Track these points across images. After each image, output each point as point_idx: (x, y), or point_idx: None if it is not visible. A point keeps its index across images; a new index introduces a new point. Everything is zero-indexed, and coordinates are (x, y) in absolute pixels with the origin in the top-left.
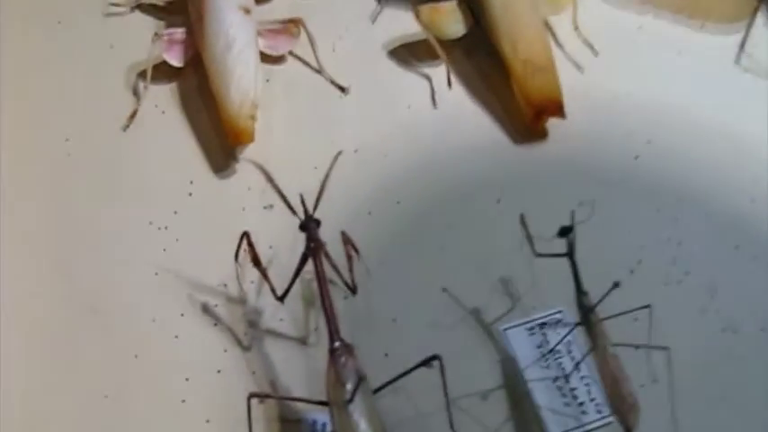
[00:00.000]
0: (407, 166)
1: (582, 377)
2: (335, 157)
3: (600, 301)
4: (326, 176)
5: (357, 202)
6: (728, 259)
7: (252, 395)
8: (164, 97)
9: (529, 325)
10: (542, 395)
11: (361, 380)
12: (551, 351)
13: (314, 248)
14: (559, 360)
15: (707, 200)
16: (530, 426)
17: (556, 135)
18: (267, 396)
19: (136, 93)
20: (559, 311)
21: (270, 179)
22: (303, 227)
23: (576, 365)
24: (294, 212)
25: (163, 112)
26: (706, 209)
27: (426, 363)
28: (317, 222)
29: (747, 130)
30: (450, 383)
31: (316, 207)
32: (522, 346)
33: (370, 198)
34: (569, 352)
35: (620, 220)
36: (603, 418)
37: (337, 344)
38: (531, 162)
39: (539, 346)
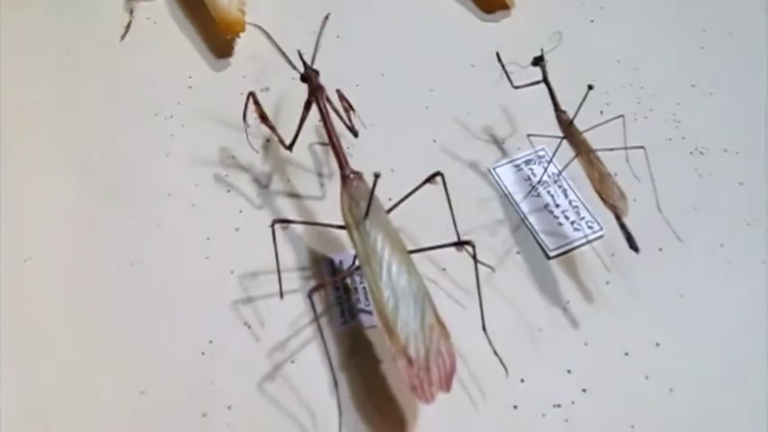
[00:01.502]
0: (387, 44)
1: (570, 201)
2: (325, 18)
3: (579, 108)
4: (320, 34)
5: (344, 77)
6: (687, 96)
7: (276, 221)
8: (154, 10)
9: (515, 162)
10: (537, 221)
11: (372, 197)
12: (540, 182)
13: (316, 92)
14: (548, 189)
15: (661, 49)
16: (530, 247)
17: (517, 6)
18: (289, 221)
19: (128, 8)
20: (542, 149)
21: (270, 37)
22: (304, 77)
23: (557, 175)
24: (294, 66)
25: (155, 23)
26: (662, 56)
27: (430, 179)
28: (316, 72)
29: None
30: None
31: (313, 60)
32: (512, 181)
33: (355, 73)
34: (555, 182)
35: (583, 72)
36: (595, 232)
37: (348, 171)
38: (498, 30)
39: (526, 179)
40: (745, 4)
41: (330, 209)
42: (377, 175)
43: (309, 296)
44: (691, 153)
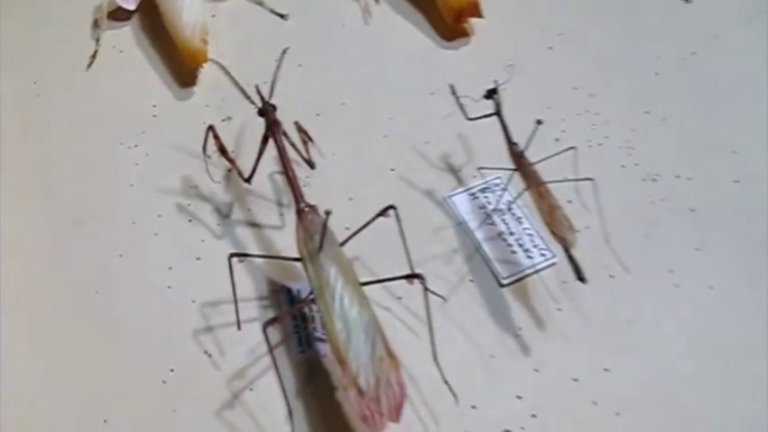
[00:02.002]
0: (347, 73)
1: (524, 228)
2: (283, 52)
3: (528, 142)
4: (277, 68)
5: (305, 107)
6: (641, 123)
7: (232, 255)
8: (120, 38)
9: (471, 191)
10: (491, 249)
11: (327, 230)
12: (495, 210)
13: (273, 127)
14: (502, 217)
15: (617, 76)
16: (484, 275)
17: (477, 33)
18: (246, 255)
19: (94, 37)
20: (498, 177)
21: (227, 72)
22: (261, 111)
23: (511, 203)
24: (252, 101)
25: (121, 52)
26: (617, 84)
27: (383, 212)
28: (273, 106)
29: (648, 10)
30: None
31: (271, 95)
32: (467, 209)
33: (316, 103)
34: (510, 209)
35: (540, 99)
36: (547, 259)
37: (303, 204)
38: (458, 58)
39: (481, 208)
40: (698, 31)
41: (289, 238)
42: (327, 213)
43: (264, 329)
44: (643, 180)
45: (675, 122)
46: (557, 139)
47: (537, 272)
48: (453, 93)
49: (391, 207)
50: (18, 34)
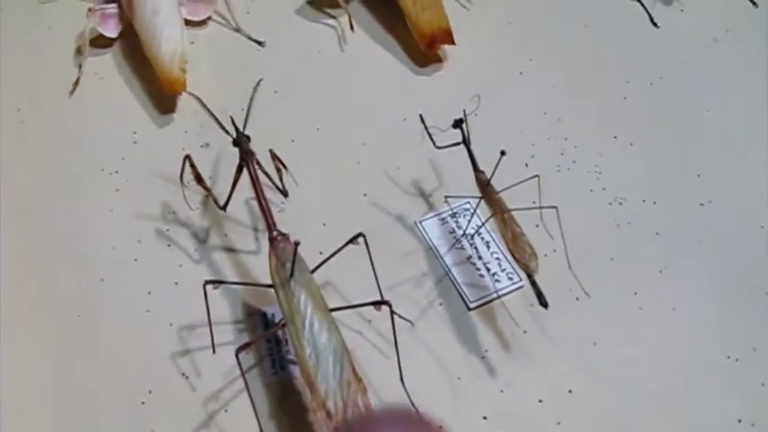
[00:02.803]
0: (322, 99)
1: (492, 252)
2: (257, 84)
3: (493, 172)
4: (251, 99)
5: (280, 133)
6: (609, 147)
7: (207, 282)
8: (102, 65)
9: (441, 216)
10: (460, 273)
11: (298, 259)
12: (464, 235)
13: (246, 157)
14: (471, 242)
15: (586, 100)
16: (452, 298)
17: (450, 59)
18: (220, 282)
19: (77, 64)
20: (467, 202)
21: (204, 105)
22: (236, 141)
23: (479, 228)
24: (227, 132)
25: (102, 78)
26: (586, 109)
27: (353, 240)
28: (248, 137)
29: (617, 36)
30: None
31: (245, 126)
32: (437, 234)
33: (291, 129)
34: (479, 234)
35: (510, 124)
36: (514, 283)
37: (275, 233)
38: (431, 84)
39: (451, 232)
40: (666, 56)
41: (264, 262)
42: (297, 244)
43: (237, 354)
44: (610, 204)
45: (642, 147)
46: (526, 165)
47: (504, 295)
48: (422, 122)
49: (360, 235)
50: (1, 62)
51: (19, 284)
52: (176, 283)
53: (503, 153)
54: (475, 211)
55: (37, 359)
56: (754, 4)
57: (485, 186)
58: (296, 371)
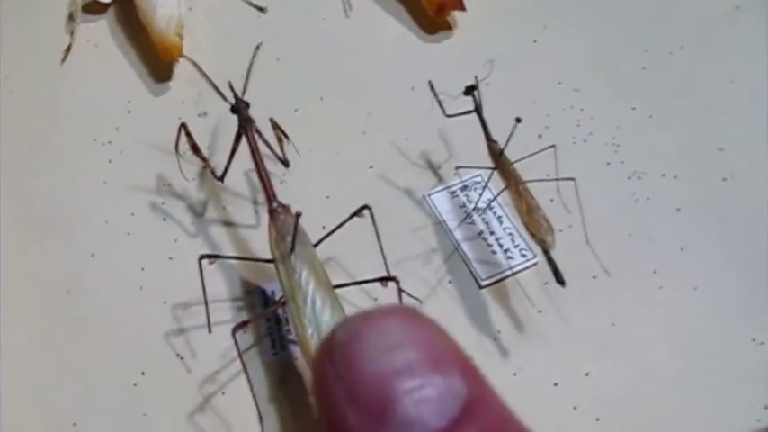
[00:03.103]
0: (327, 68)
1: (505, 228)
2: (257, 48)
3: (507, 141)
4: (251, 64)
5: (282, 102)
6: (627, 119)
7: (203, 256)
8: (95, 32)
9: (451, 189)
10: (471, 249)
11: (299, 231)
12: (475, 209)
13: (245, 125)
14: (482, 216)
15: (602, 70)
16: (463, 275)
17: (460, 26)
18: (216, 256)
19: (69, 30)
20: (478, 175)
21: (200, 70)
22: (234, 108)
23: (490, 203)
24: (224, 98)
25: (96, 45)
26: (603, 79)
27: (358, 212)
28: (247, 104)
29: (635, 1)
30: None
31: (244, 92)
32: (447, 208)
33: (294, 98)
34: (491, 208)
35: (524, 94)
36: (528, 260)
37: (275, 204)
38: (440, 51)
39: (462, 206)
40: (685, 24)
41: (264, 237)
42: (298, 215)
43: (234, 333)
44: (629, 178)
45: (662, 119)
46: (540, 136)
47: (517, 273)
48: (432, 89)
49: (366, 207)
50: None
51: (5, 259)
52: (171, 259)
53: (518, 120)
54: (487, 183)
55: (23, 338)
56: None
57: (498, 157)
58: (297, 351)
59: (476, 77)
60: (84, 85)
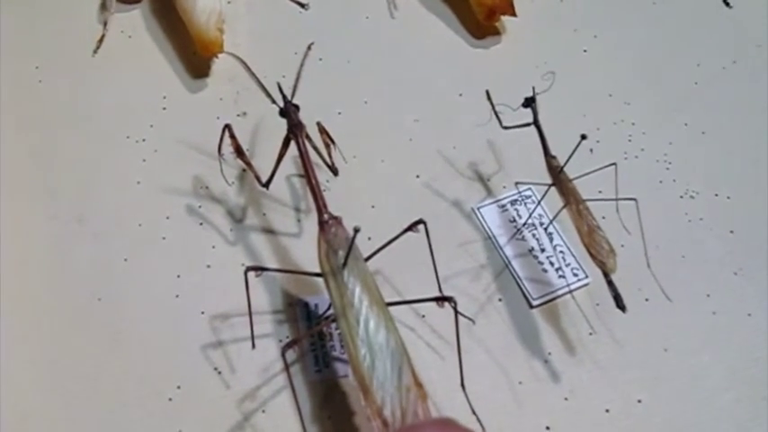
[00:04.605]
0: (371, 69)
1: (555, 246)
2: (308, 48)
3: (569, 157)
4: (301, 65)
5: (325, 104)
6: (680, 135)
7: (249, 268)
8: (129, 22)
9: (501, 202)
10: (521, 267)
11: (352, 245)
12: (525, 224)
13: (295, 130)
14: (533, 232)
15: (654, 84)
16: (513, 294)
17: (508, 32)
18: (263, 269)
19: (102, 20)
20: (528, 188)
21: (248, 68)
22: (283, 111)
23: (551, 221)
24: (273, 100)
25: (129, 37)
26: (654, 92)
27: (412, 227)
28: (296, 107)
29: (688, 14)
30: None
31: (293, 94)
32: (497, 223)
33: (337, 100)
34: (541, 224)
35: (574, 105)
36: (580, 280)
37: (326, 216)
38: (489, 58)
39: (511, 221)
40: (740, 38)
41: (307, 246)
42: (356, 230)
43: (283, 354)
44: (681, 197)
45: (715, 136)
46: (591, 150)
47: (569, 293)
48: (489, 99)
49: (421, 221)
50: (20, 15)
51: (33, 262)
52: (208, 267)
53: (583, 137)
54: (541, 199)
55: (52, 347)
56: None
57: (557, 173)
58: (341, 369)
59: (533, 89)
60: (117, 78)
